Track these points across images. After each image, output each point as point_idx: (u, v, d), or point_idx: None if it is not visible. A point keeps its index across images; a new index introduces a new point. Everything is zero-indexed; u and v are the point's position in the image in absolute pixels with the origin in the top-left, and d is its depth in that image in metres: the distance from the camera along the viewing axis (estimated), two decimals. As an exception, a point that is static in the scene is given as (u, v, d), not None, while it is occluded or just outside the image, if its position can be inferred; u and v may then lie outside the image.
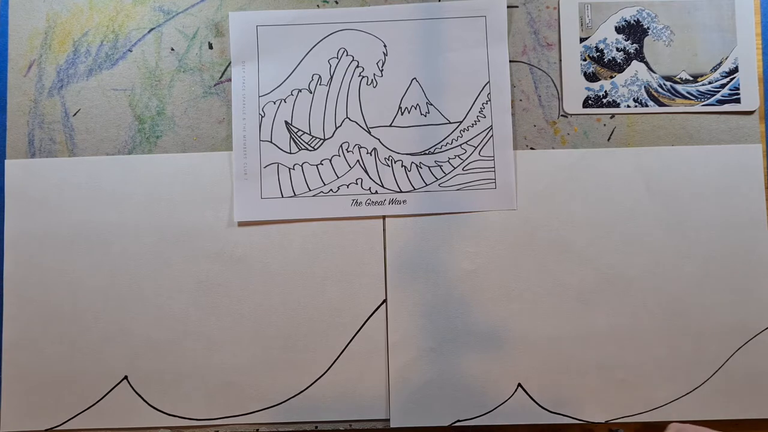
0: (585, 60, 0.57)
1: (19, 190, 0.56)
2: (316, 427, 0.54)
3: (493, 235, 0.55)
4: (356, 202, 0.55)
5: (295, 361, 0.54)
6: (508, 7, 0.56)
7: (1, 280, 0.55)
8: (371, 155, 0.56)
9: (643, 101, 0.56)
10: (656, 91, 0.56)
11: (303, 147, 0.56)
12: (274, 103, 0.56)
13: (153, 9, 0.57)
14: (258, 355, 0.54)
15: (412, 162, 0.56)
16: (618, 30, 0.57)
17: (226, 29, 0.57)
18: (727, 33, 0.56)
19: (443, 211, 0.55)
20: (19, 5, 0.57)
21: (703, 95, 0.56)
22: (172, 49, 0.57)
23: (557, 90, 0.57)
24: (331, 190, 0.55)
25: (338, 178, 0.56)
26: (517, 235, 0.55)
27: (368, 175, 0.56)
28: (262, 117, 0.56)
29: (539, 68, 0.57)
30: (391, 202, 0.55)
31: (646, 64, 0.56)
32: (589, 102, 0.56)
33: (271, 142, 0.56)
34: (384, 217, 0.55)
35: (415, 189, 0.55)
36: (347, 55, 0.56)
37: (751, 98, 0.56)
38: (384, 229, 0.55)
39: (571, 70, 0.56)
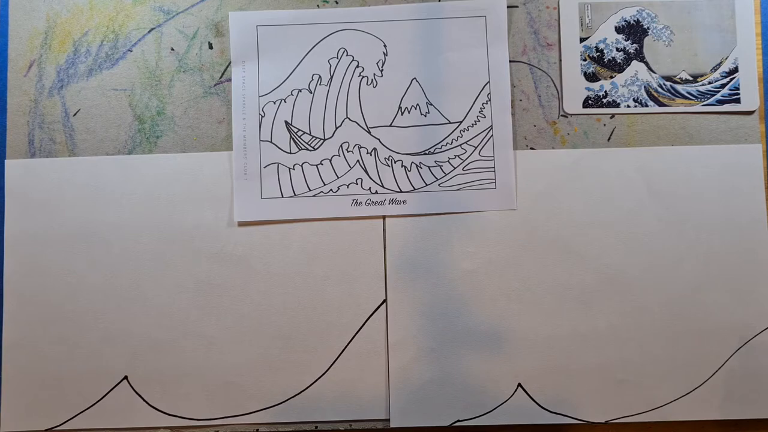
0: (585, 60, 0.57)
1: (19, 190, 0.56)
2: (316, 427, 0.54)
3: (493, 235, 0.55)
4: (356, 202, 0.55)
5: (295, 361, 0.54)
6: (508, 7, 0.57)
7: (1, 280, 0.55)
8: (371, 155, 0.56)
9: (643, 101, 0.56)
10: (656, 91, 0.56)
11: (303, 147, 0.56)
12: (274, 103, 0.56)
13: (153, 9, 0.57)
14: (258, 355, 0.54)
15: (412, 162, 0.56)
16: (618, 30, 0.57)
17: (226, 29, 0.57)
18: (727, 33, 0.56)
19: (443, 211, 0.55)
20: (19, 5, 0.57)
21: (703, 95, 0.56)
22: (172, 49, 0.57)
23: (557, 90, 0.57)
24: (331, 190, 0.56)
25: (338, 178, 0.56)
26: (517, 235, 0.55)
27: (368, 175, 0.56)
28: (262, 117, 0.56)
29: (539, 68, 0.57)
30: (391, 202, 0.55)
31: (646, 64, 0.56)
32: (589, 102, 0.56)
33: (271, 142, 0.56)
34: (384, 217, 0.55)
35: (415, 189, 0.55)
36: (347, 55, 0.56)
37: (751, 98, 0.56)
38: (384, 229, 0.55)
39: (571, 70, 0.56)
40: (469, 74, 0.56)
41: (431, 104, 0.56)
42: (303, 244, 0.55)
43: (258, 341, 0.55)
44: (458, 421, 0.54)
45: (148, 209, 0.56)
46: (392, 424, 0.54)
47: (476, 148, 0.56)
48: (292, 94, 0.56)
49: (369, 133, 0.56)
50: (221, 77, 0.57)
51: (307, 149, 0.56)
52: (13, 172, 0.56)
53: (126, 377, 0.55)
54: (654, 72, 0.56)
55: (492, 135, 0.56)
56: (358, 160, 0.56)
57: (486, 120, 0.56)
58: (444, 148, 0.56)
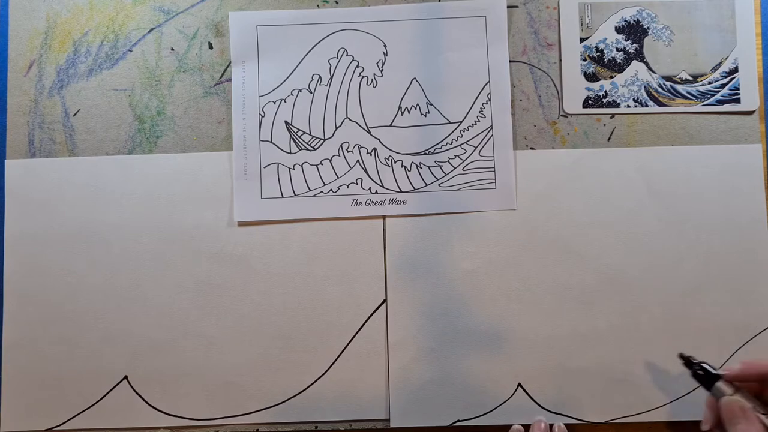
0: (585, 60, 0.57)
1: (19, 190, 0.56)
2: (316, 427, 0.54)
3: (493, 235, 0.55)
4: (356, 202, 0.55)
5: (295, 361, 0.54)
6: (508, 7, 0.57)
7: (1, 280, 0.55)
8: (371, 155, 0.56)
9: (643, 101, 0.56)
10: (656, 91, 0.56)
11: (303, 147, 0.56)
12: (274, 103, 0.56)
13: (153, 9, 0.57)
14: (258, 355, 0.54)
15: (412, 162, 0.56)
16: (618, 30, 0.57)
17: (226, 29, 0.57)
18: (727, 33, 0.56)
19: (443, 211, 0.55)
20: (19, 5, 0.57)
21: (703, 95, 0.56)
22: (172, 49, 0.57)
23: (557, 90, 0.57)
24: (331, 190, 0.56)
25: (338, 178, 0.56)
26: (517, 235, 0.55)
27: (368, 175, 0.56)
28: (262, 117, 0.56)
29: (539, 68, 0.57)
30: (391, 202, 0.55)
31: (646, 64, 0.56)
32: (589, 102, 0.56)
33: (271, 142, 0.56)
34: (384, 217, 0.55)
35: (415, 189, 0.55)
36: (347, 55, 0.56)
37: (751, 98, 0.56)
38: (384, 229, 0.55)
39: (571, 70, 0.56)
40: (469, 74, 0.56)
41: (431, 104, 0.56)
42: (303, 244, 0.55)
43: (258, 341, 0.55)
44: (458, 421, 0.54)
45: (148, 209, 0.56)
46: (392, 424, 0.54)
47: (476, 148, 0.56)
48: (292, 94, 0.56)
49: (369, 133, 0.56)
50: (221, 77, 0.57)
51: (307, 149, 0.56)
52: (13, 172, 0.56)
53: (126, 377, 0.55)
54: (654, 72, 0.56)
55: (492, 135, 0.56)
56: (358, 160, 0.56)
57: (486, 120, 0.56)
58: (444, 148, 0.56)
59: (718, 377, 0.44)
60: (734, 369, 0.42)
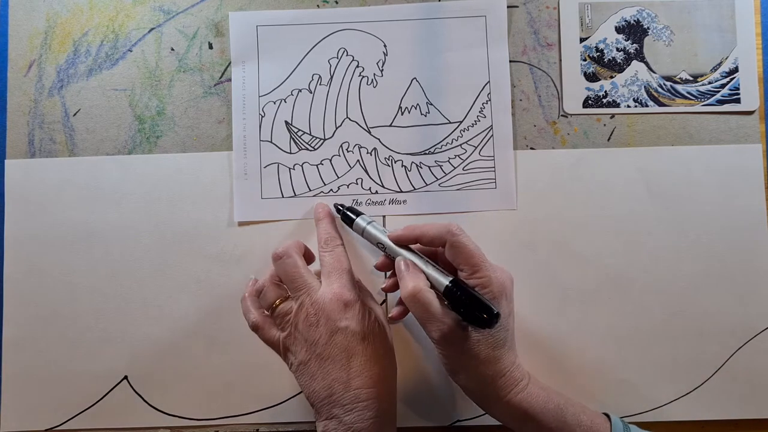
0: (585, 60, 0.57)
1: (19, 190, 0.56)
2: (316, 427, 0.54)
3: (493, 235, 0.55)
4: (356, 202, 0.55)
5: (295, 361, 0.54)
6: (508, 7, 0.57)
7: (1, 280, 0.55)
8: (371, 155, 0.56)
9: (643, 101, 0.56)
10: (656, 91, 0.56)
11: (303, 147, 0.56)
12: (274, 103, 0.56)
13: (153, 9, 0.57)
14: (258, 355, 0.54)
15: (412, 162, 0.56)
16: (618, 30, 0.57)
17: (226, 29, 0.57)
18: (727, 33, 0.56)
19: (443, 211, 0.55)
20: (19, 5, 0.57)
21: (703, 95, 0.56)
22: (172, 49, 0.57)
23: (557, 90, 0.57)
24: (331, 190, 0.56)
25: (338, 178, 0.56)
26: (517, 235, 0.55)
27: (368, 175, 0.56)
28: (262, 117, 0.56)
29: (539, 68, 0.57)
30: (391, 202, 0.55)
31: (646, 64, 0.56)
32: (589, 102, 0.56)
33: (271, 142, 0.56)
34: (384, 217, 0.55)
35: (415, 189, 0.55)
36: (347, 55, 0.56)
37: (751, 98, 0.56)
38: (384, 229, 0.55)
39: (571, 70, 0.56)
40: (469, 74, 0.56)
41: (431, 104, 0.56)
42: (303, 244, 0.55)
43: (258, 341, 0.54)
44: (458, 421, 0.54)
45: (148, 209, 0.56)
46: (392, 424, 0.54)
47: (476, 148, 0.56)
48: (292, 94, 0.56)
49: (369, 133, 0.56)
50: (221, 77, 0.57)
51: (307, 149, 0.56)
52: (13, 172, 0.56)
53: (126, 377, 0.55)
54: (654, 72, 0.56)
55: (492, 135, 0.56)
56: (358, 160, 0.56)
57: (486, 120, 0.56)
58: (444, 148, 0.56)
59: (359, 213, 0.51)
60: (397, 232, 0.48)
